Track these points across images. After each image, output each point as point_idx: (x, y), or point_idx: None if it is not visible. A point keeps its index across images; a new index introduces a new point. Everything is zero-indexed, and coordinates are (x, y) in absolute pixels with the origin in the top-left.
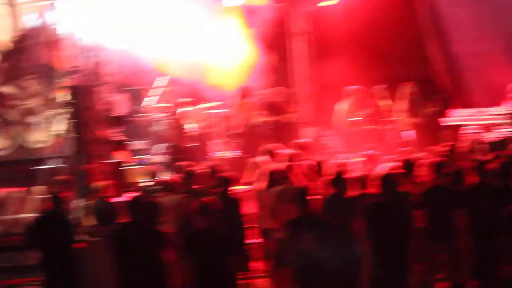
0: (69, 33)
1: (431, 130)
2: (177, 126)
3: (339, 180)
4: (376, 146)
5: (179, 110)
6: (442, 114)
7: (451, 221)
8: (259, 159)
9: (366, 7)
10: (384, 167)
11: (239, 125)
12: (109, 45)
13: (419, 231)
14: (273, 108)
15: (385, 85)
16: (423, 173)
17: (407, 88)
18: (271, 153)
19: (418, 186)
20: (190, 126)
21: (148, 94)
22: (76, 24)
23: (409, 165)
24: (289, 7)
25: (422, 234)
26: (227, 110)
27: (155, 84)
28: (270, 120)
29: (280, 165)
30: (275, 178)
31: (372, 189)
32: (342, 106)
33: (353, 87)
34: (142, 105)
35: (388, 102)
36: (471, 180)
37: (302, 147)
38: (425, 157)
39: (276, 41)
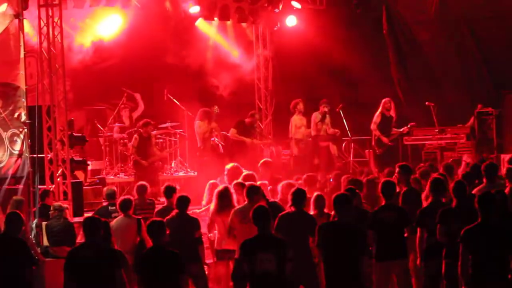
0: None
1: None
2: (138, 145)
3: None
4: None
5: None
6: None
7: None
8: (219, 179)
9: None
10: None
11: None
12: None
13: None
14: (241, 128)
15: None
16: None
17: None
18: (229, 173)
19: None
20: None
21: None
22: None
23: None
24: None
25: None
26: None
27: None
28: (234, 139)
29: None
30: (228, 198)
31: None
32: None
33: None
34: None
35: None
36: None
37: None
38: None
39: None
